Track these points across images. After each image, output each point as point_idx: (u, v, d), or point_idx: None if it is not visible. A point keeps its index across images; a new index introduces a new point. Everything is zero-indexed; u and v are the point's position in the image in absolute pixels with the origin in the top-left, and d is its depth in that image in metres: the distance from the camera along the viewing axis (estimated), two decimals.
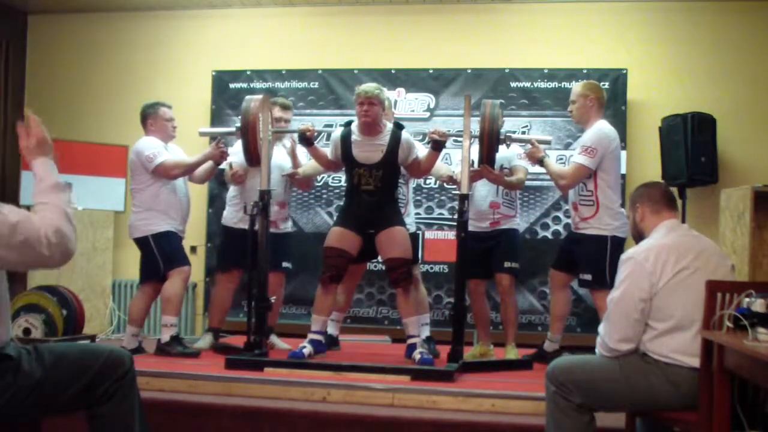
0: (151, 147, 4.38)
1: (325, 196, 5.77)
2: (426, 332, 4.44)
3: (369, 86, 4.05)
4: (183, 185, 4.55)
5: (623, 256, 2.57)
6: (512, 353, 4.31)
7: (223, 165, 4.51)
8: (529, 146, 4.18)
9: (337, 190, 5.75)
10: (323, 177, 5.75)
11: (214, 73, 5.99)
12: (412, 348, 4.00)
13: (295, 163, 4.49)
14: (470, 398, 3.24)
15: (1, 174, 6.12)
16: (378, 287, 5.53)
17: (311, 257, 5.60)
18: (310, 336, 4.08)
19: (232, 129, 4.41)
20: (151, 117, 4.50)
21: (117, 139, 6.03)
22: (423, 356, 3.88)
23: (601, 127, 3.98)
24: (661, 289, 2.43)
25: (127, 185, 5.92)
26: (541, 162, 4.09)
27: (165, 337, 4.26)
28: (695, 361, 2.36)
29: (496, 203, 4.36)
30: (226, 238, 4.66)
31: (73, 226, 2.03)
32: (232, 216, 4.55)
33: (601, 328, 2.58)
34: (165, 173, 4.33)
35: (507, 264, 4.31)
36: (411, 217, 4.65)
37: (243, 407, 3.24)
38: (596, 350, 2.61)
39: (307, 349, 4.00)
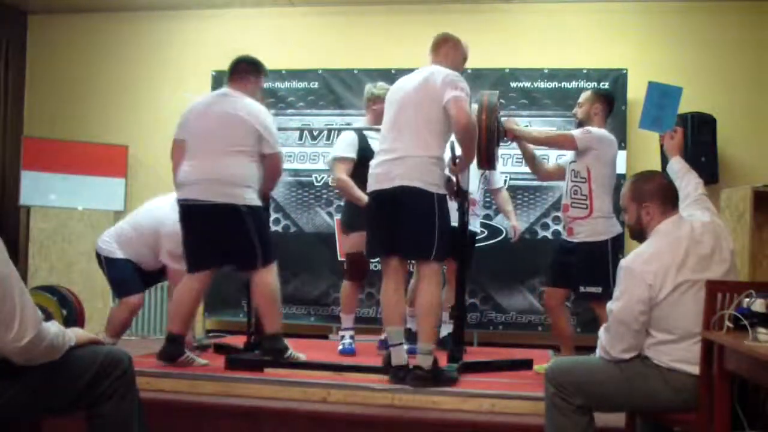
0: None
1: (325, 196, 5.77)
2: None
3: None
4: None
5: (623, 264, 2.50)
6: None
7: None
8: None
9: (337, 190, 5.75)
10: (323, 177, 5.75)
11: (214, 73, 5.98)
12: None
13: None
14: (470, 398, 3.23)
15: (1, 174, 6.13)
16: (378, 287, 5.51)
17: (311, 257, 5.61)
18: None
19: None
20: None
21: (117, 139, 6.04)
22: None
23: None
24: (661, 302, 2.40)
25: (127, 185, 5.95)
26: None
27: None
28: (696, 369, 2.35)
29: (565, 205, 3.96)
30: None
31: (51, 347, 2.02)
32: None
33: (601, 335, 2.56)
34: None
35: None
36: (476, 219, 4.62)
37: (243, 407, 3.23)
38: (596, 352, 2.60)
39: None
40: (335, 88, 5.83)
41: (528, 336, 5.36)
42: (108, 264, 4.30)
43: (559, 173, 4.14)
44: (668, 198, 2.58)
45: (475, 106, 3.96)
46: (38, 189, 5.76)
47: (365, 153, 4.09)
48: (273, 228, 5.45)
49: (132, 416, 2.18)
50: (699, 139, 5.06)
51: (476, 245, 4.74)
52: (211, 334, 5.69)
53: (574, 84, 5.52)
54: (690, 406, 2.37)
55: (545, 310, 4.36)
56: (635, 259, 2.48)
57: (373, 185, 3.46)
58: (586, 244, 3.76)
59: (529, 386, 3.37)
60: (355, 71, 5.79)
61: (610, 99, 4.06)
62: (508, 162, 5.54)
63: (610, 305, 2.51)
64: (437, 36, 3.67)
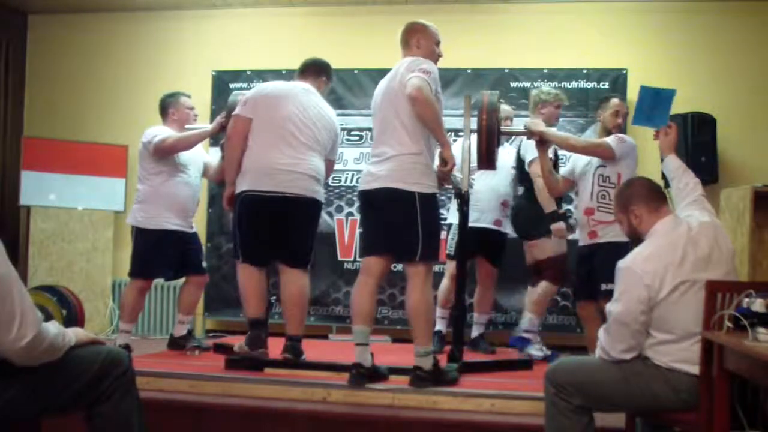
0: (153, 132, 4.35)
1: (324, 196, 5.75)
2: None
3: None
4: (196, 179, 4.50)
5: (622, 265, 2.49)
6: None
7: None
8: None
9: (337, 190, 5.75)
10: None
11: (214, 73, 5.99)
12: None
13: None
14: (470, 398, 3.23)
15: (1, 174, 6.13)
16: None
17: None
18: None
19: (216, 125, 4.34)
20: (172, 106, 4.52)
21: (117, 139, 6.04)
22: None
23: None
24: (660, 302, 2.39)
25: (127, 185, 5.94)
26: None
27: (119, 340, 4.25)
28: (695, 369, 2.36)
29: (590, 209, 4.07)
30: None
31: (51, 347, 2.02)
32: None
33: (601, 335, 2.55)
34: (167, 149, 4.28)
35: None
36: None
37: (243, 407, 3.23)
38: (596, 353, 2.60)
39: None
40: (335, 88, 5.80)
41: None
42: (137, 234, 4.37)
43: (566, 187, 4.30)
44: (651, 196, 2.59)
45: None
46: (38, 189, 5.76)
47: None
48: None
49: (132, 416, 2.18)
50: (699, 139, 5.07)
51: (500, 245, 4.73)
52: (211, 334, 5.69)
53: (574, 84, 5.53)
54: (690, 406, 2.37)
55: (581, 321, 4.33)
56: (634, 260, 2.47)
57: (360, 185, 3.50)
58: (612, 244, 3.84)
59: (529, 386, 3.37)
60: (355, 71, 5.79)
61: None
62: None
63: (610, 306, 2.50)
64: (402, 29, 3.64)
